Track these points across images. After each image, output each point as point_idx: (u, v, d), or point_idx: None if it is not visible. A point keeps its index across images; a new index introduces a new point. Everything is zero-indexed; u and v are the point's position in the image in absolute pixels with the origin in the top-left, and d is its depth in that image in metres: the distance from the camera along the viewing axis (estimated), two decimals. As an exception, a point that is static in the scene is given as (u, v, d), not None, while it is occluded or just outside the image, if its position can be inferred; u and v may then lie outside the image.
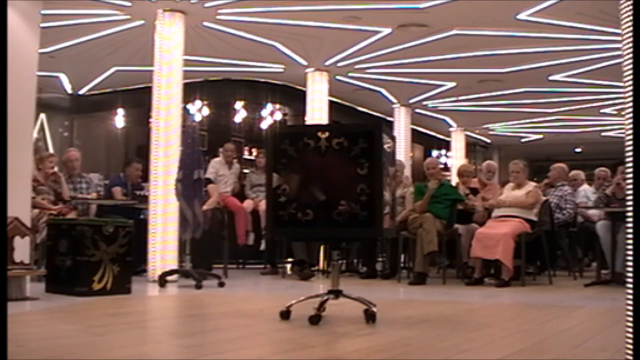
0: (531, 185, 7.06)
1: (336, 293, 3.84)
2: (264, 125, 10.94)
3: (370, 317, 3.75)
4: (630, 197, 2.52)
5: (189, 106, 10.21)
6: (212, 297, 5.47)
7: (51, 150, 10.08)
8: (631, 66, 2.56)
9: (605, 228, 6.74)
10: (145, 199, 7.11)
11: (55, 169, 7.18)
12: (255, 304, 5.28)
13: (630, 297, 2.47)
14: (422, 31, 7.60)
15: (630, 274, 2.48)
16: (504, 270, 6.47)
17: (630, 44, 2.57)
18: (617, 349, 2.86)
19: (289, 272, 7.80)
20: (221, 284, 6.16)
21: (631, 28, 2.58)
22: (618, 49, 2.88)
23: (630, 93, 2.55)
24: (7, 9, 4.83)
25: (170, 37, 6.87)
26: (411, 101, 11.58)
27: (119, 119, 11.43)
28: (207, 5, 6.86)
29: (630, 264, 2.49)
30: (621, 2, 2.66)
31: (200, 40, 7.80)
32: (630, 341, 2.45)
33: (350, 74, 9.81)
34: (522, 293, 6.13)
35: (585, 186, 8.82)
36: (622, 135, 2.68)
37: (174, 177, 6.24)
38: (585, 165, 12.84)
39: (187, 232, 6.20)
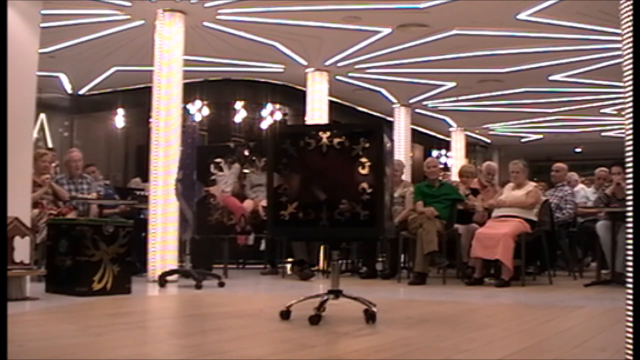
0: (531, 185, 7.06)
1: (336, 293, 3.83)
2: (264, 125, 10.95)
3: (370, 317, 3.75)
4: (630, 197, 2.52)
5: (189, 106, 10.22)
6: (212, 297, 5.47)
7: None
8: (631, 66, 2.56)
9: (605, 228, 6.74)
10: (145, 199, 7.11)
11: (52, 166, 7.15)
12: (255, 304, 5.28)
13: (630, 297, 2.47)
14: (422, 31, 7.60)
15: (630, 274, 2.48)
16: (504, 270, 6.47)
17: (630, 44, 2.57)
18: (617, 349, 2.86)
19: (289, 272, 7.80)
20: (221, 284, 6.16)
21: (631, 28, 2.58)
22: (618, 49, 2.88)
23: (630, 93, 2.55)
24: (7, 9, 4.83)
25: (170, 37, 6.87)
26: (411, 101, 11.58)
27: (119, 119, 11.44)
28: (207, 5, 6.86)
29: (630, 264, 2.49)
30: (621, 2, 2.66)
31: (200, 40, 7.80)
32: (630, 341, 2.45)
33: (350, 74, 9.81)
34: (522, 293, 6.13)
35: (581, 186, 8.86)
36: (622, 135, 2.68)
37: (174, 177, 6.24)
38: (585, 165, 12.85)
39: (187, 232, 6.21)
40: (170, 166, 6.55)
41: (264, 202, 7.07)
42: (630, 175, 2.54)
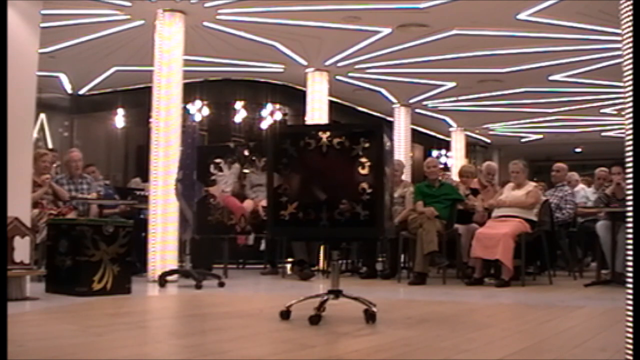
0: (531, 185, 7.07)
1: (336, 293, 3.84)
2: (264, 125, 10.95)
3: (370, 317, 3.75)
4: (630, 197, 2.52)
5: (189, 106, 10.22)
6: (212, 297, 5.47)
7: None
8: (631, 66, 2.56)
9: (605, 228, 6.74)
10: (145, 199, 7.11)
11: (54, 167, 7.14)
12: (255, 304, 5.28)
13: (630, 297, 2.47)
14: (422, 31, 7.60)
15: (630, 274, 2.48)
16: (504, 270, 6.47)
17: (630, 44, 2.57)
18: (617, 349, 2.86)
19: (289, 272, 7.80)
20: (221, 284, 6.16)
21: (631, 28, 2.58)
22: (618, 49, 2.88)
23: (630, 93, 2.55)
24: (7, 9, 4.83)
25: (170, 37, 6.87)
26: (411, 101, 11.58)
27: (119, 119, 11.44)
28: (207, 5, 6.86)
29: (630, 264, 2.49)
30: (621, 2, 2.66)
31: (200, 40, 7.80)
32: (630, 341, 2.45)
33: (350, 74, 9.81)
34: (522, 293, 6.13)
35: (581, 186, 8.86)
36: (622, 135, 2.68)
37: (174, 177, 6.24)
38: (585, 165, 12.85)
39: (187, 232, 6.21)
40: (170, 166, 6.55)
41: (264, 202, 7.07)
42: (630, 175, 2.54)
